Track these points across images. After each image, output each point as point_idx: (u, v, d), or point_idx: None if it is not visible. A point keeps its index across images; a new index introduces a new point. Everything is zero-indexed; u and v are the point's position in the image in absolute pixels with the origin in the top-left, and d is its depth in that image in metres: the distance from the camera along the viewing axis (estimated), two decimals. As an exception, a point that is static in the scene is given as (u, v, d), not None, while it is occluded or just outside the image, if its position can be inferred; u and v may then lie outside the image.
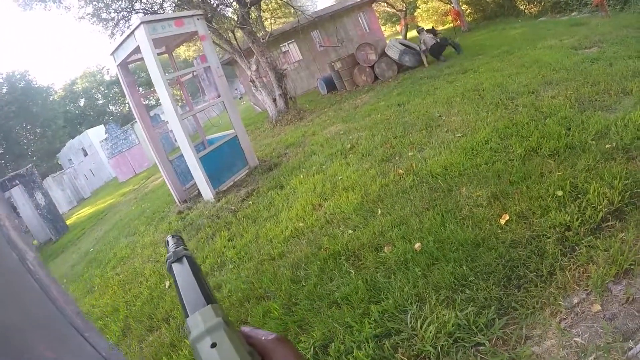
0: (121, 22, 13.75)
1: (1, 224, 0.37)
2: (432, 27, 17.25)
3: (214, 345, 0.41)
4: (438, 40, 13.81)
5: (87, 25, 26.78)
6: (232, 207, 6.55)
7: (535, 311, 2.37)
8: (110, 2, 13.25)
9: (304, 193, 5.78)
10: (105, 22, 13.58)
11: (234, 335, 0.43)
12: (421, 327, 2.50)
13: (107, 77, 64.98)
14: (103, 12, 13.51)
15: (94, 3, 13.02)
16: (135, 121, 29.42)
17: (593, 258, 2.57)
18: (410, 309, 2.68)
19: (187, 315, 0.48)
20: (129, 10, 13.62)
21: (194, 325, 0.45)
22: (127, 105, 59.92)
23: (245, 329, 0.49)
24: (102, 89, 64.94)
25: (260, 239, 4.93)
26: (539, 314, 2.36)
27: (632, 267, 2.41)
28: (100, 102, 65.31)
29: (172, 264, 0.59)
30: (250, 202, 6.49)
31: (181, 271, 0.57)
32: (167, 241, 0.66)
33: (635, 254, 2.46)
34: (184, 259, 0.59)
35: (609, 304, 2.27)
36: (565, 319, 2.29)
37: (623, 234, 2.66)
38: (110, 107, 65.97)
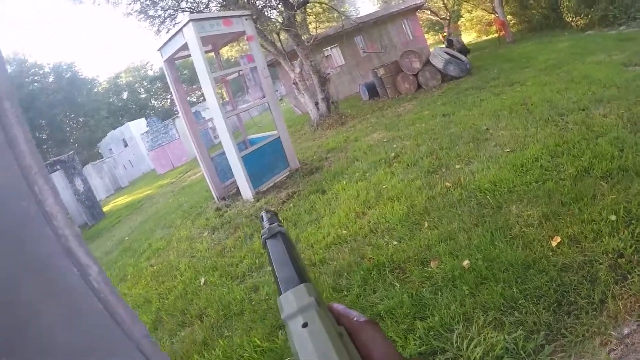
0: (167, 19, 14.07)
1: (60, 233, 0.33)
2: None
3: (305, 324, 0.41)
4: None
5: (134, 21, 27.52)
6: (272, 209, 6.55)
7: (585, 339, 2.29)
8: (157, 0, 13.55)
9: (347, 200, 5.72)
10: (152, 19, 13.92)
11: (325, 316, 0.43)
12: (467, 348, 2.44)
13: (150, 73, 66.94)
14: (150, 10, 13.84)
15: (142, 0, 13.33)
16: (176, 116, 30.28)
17: (645, 288, 2.47)
18: (456, 328, 2.61)
19: (280, 293, 0.48)
20: (175, 8, 13.93)
21: (287, 303, 0.45)
22: (168, 100, 61.46)
23: (339, 307, 0.49)
24: (145, 84, 66.98)
25: (301, 243, 4.89)
26: (589, 342, 2.27)
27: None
28: (143, 96, 67.30)
29: (267, 240, 0.59)
30: (291, 205, 6.49)
31: (275, 248, 0.58)
32: (262, 217, 0.68)
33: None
34: (279, 236, 0.59)
35: (661, 336, 2.18)
36: (615, 349, 2.20)
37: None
38: (152, 102, 67.85)
